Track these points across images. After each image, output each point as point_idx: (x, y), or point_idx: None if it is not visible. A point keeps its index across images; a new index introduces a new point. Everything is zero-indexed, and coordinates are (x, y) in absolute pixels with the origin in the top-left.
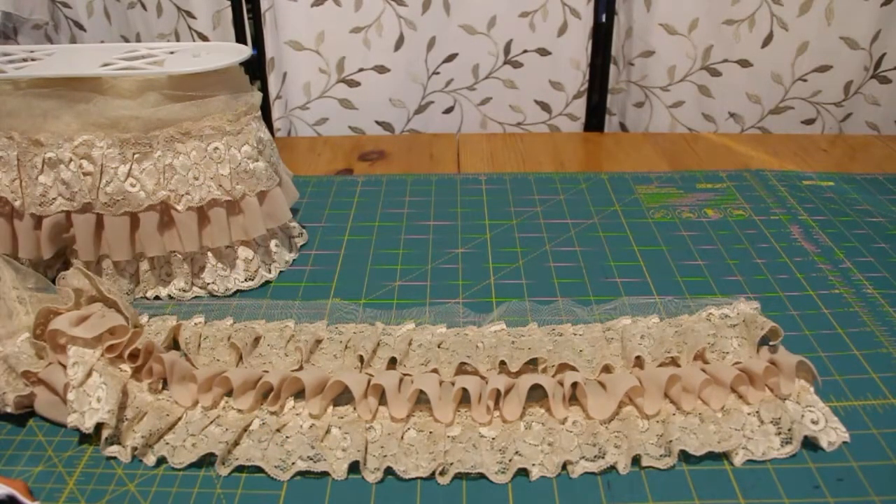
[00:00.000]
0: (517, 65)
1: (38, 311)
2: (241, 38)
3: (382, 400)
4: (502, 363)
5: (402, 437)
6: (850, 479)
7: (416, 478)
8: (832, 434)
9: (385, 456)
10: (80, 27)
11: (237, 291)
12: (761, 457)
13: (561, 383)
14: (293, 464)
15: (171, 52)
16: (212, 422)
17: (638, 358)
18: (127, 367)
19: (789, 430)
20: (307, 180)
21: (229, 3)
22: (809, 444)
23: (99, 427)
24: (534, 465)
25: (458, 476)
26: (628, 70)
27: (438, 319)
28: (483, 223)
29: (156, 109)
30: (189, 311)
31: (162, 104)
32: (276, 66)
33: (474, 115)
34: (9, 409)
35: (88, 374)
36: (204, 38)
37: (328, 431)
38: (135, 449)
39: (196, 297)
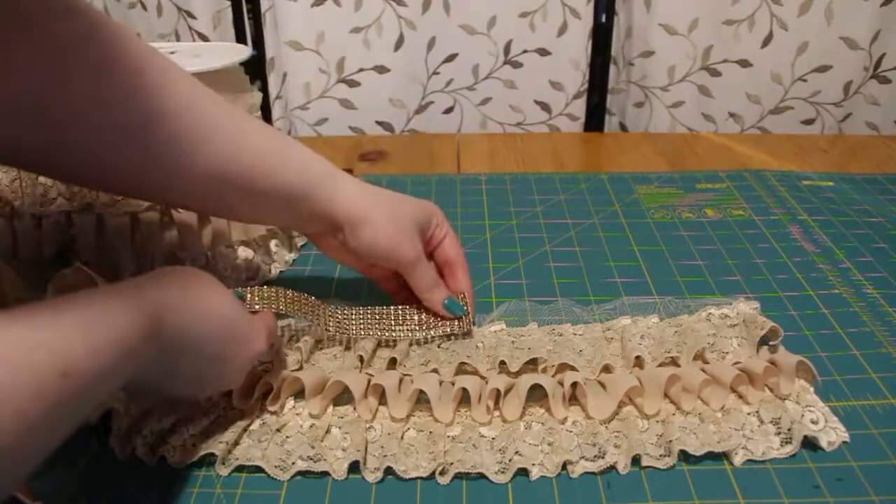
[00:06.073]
0: (517, 65)
1: None
2: (241, 38)
3: (382, 400)
4: (502, 363)
5: (402, 437)
6: (850, 479)
7: (416, 478)
8: (832, 434)
9: (385, 456)
10: None
11: None
12: (761, 457)
13: (561, 383)
14: (293, 464)
15: (172, 52)
16: (212, 422)
17: (638, 358)
18: None
19: (789, 429)
20: None
21: (229, 3)
22: (809, 444)
23: (100, 427)
24: (534, 464)
25: (458, 476)
26: (628, 70)
27: None
28: (483, 223)
29: None
30: None
31: None
32: (276, 66)
33: (474, 115)
34: None
35: None
36: (204, 38)
37: (328, 431)
38: (135, 449)
39: None
